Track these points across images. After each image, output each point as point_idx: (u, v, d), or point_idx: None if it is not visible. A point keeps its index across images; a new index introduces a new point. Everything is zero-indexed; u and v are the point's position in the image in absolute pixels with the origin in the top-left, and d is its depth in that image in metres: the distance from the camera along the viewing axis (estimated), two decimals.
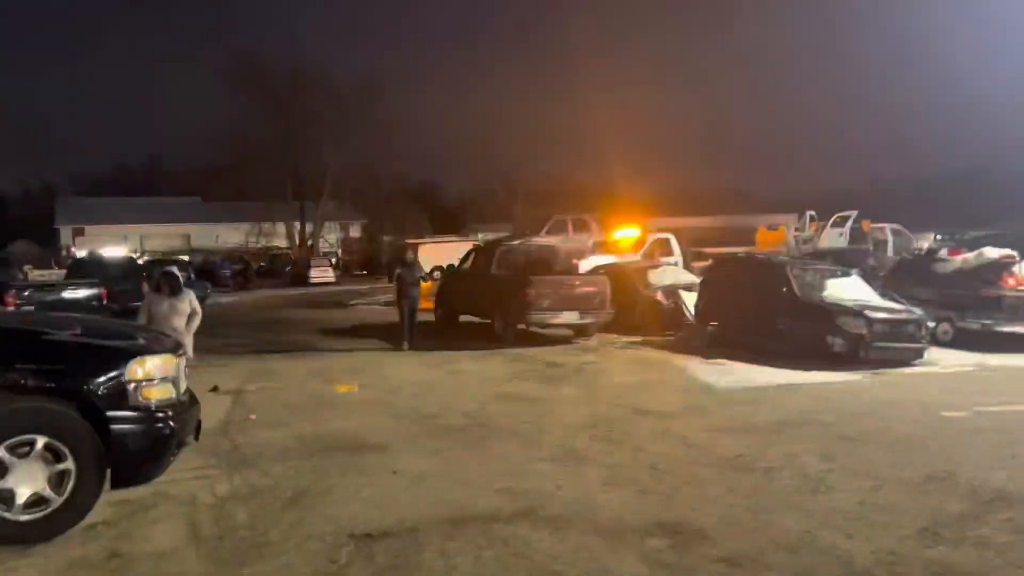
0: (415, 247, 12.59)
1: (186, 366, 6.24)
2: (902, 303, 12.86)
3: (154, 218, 64.18)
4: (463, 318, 17.95)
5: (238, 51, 53.99)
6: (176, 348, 6.05)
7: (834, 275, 13.54)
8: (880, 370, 11.56)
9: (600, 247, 22.55)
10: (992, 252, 15.05)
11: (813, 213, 26.17)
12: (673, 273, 17.67)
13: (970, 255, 15.10)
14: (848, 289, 13.14)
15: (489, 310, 16.05)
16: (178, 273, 10.14)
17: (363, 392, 10.59)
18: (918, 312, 12.28)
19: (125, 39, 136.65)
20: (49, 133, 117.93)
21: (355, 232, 61.95)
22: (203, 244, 60.13)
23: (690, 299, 16.09)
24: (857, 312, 12.02)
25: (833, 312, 12.14)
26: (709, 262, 17.77)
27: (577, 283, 15.06)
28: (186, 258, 50.94)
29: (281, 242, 53.99)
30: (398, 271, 15.41)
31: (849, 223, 25.10)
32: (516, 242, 18.20)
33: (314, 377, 11.83)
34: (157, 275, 10.25)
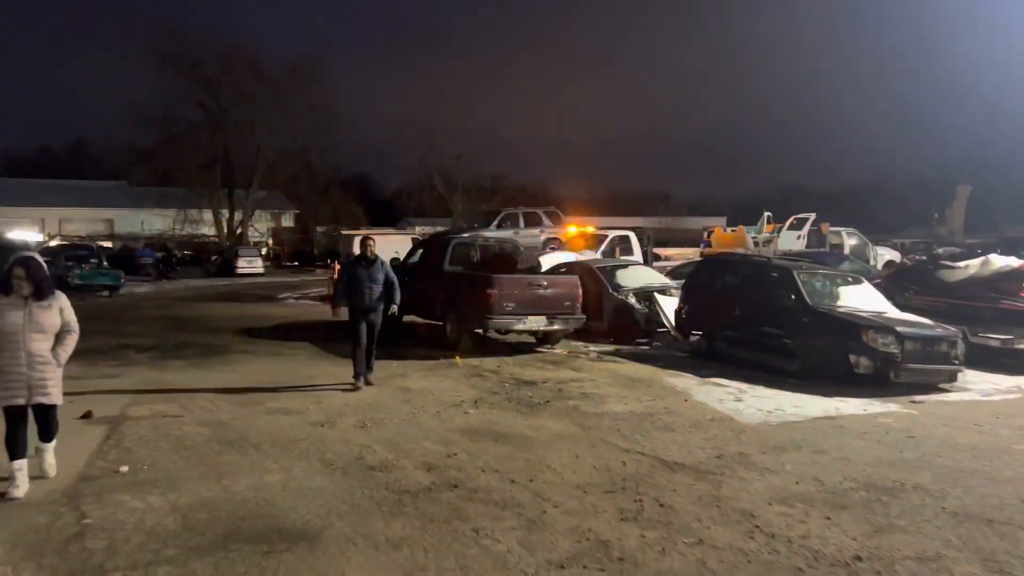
0: (366, 238, 9.57)
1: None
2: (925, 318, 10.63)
3: (75, 201, 58.91)
4: (407, 318, 15.13)
5: (165, 28, 49.28)
6: None
7: (845, 282, 11.23)
8: (916, 397, 9.29)
9: (555, 244, 20.00)
10: (998, 260, 13.03)
11: (769, 214, 24.19)
12: (644, 274, 15.16)
13: (974, 262, 13.04)
14: (863, 299, 10.85)
15: (441, 312, 13.28)
16: (40, 261, 5.75)
17: (287, 421, 7.73)
18: (952, 329, 10.04)
19: (52, 15, 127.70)
20: None
21: (287, 222, 57.95)
22: (127, 230, 55.40)
23: (667, 304, 13.63)
24: (886, 327, 9.71)
25: (857, 326, 9.80)
26: (686, 262, 15.33)
27: (545, 283, 12.39)
28: (106, 244, 46.70)
29: (209, 230, 49.78)
30: (345, 267, 10.55)
31: (807, 225, 23.16)
32: (471, 235, 15.46)
33: (225, 397, 8.89)
34: (6, 266, 5.59)
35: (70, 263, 26.50)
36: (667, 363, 11.62)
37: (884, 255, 23.39)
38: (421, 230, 45.08)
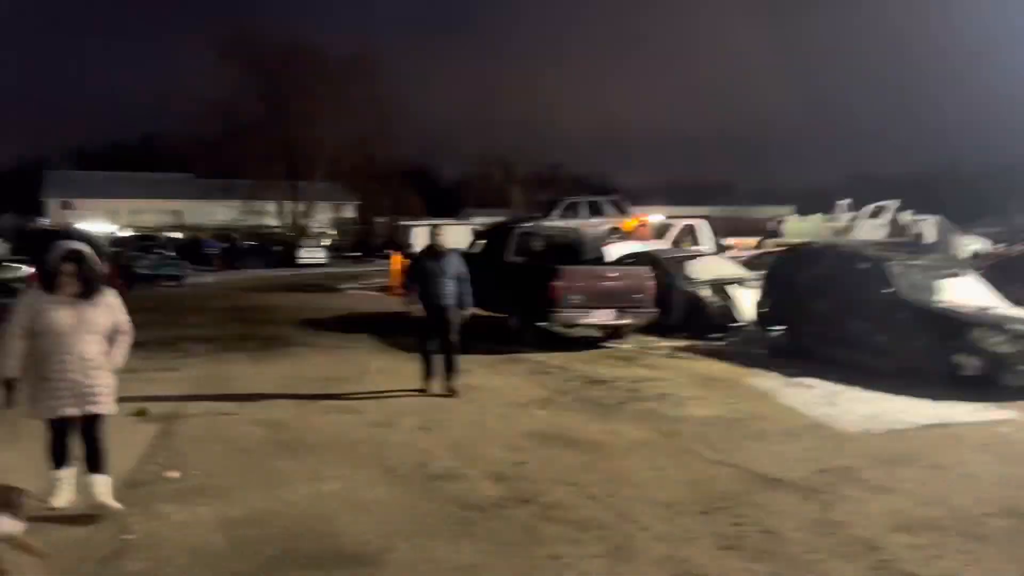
0: (435, 229, 8.71)
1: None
2: None
3: (145, 193, 60.21)
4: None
5: (232, 23, 49.93)
6: None
7: (946, 273, 10.23)
8: None
9: (619, 233, 19.23)
10: None
11: (849, 201, 22.90)
12: (716, 265, 14.31)
13: None
14: (967, 292, 9.86)
15: (502, 304, 12.69)
16: (93, 255, 5.01)
17: (346, 421, 7.26)
18: None
19: (117, 15, 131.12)
20: (45, 110, 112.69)
21: (348, 213, 58.23)
22: (195, 221, 56.38)
23: (744, 297, 12.78)
24: (996, 324, 8.75)
25: (962, 323, 8.87)
26: (762, 252, 14.42)
27: (615, 275, 11.70)
28: (175, 234, 47.57)
29: (272, 221, 50.26)
30: (414, 261, 9.27)
31: (889, 214, 21.84)
32: (534, 224, 14.84)
33: (283, 393, 8.48)
34: (53, 255, 4.89)
35: (137, 253, 26.84)
36: (747, 361, 10.81)
37: (971, 244, 21.93)
38: (481, 221, 44.77)
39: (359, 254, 45.06)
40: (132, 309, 5.20)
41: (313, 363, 10.56)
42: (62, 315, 4.77)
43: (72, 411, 4.80)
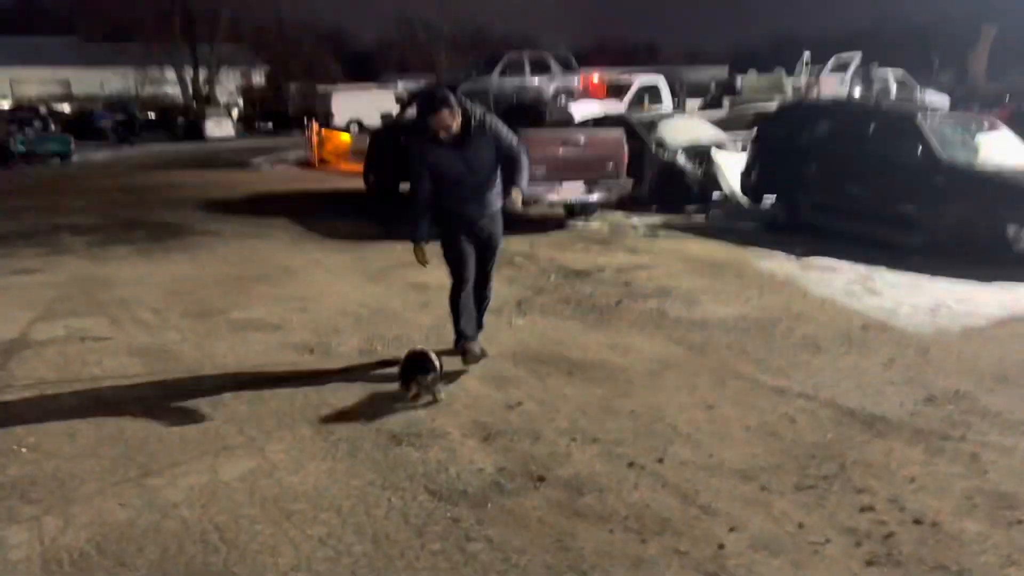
0: (433, 95, 4.50)
1: None
2: None
3: (25, 59, 53.66)
4: (406, 186, 12.54)
5: None
6: None
7: (979, 128, 8.65)
8: None
9: (568, 95, 17.03)
10: None
11: (808, 54, 21.04)
12: (691, 127, 12.42)
13: None
14: (1007, 150, 8.31)
15: None
16: None
17: (260, 346, 5.34)
18: None
19: None
20: None
21: (258, 80, 53.43)
22: (85, 91, 50.80)
23: (727, 163, 11.04)
24: None
25: (1015, 187, 7.36)
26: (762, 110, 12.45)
27: (583, 140, 9.73)
28: (62, 106, 42.69)
29: (173, 90, 45.53)
30: (414, 151, 4.64)
31: (852, 67, 20.13)
32: (483, 82, 12.57)
33: (176, 302, 6.45)
34: None
35: (12, 127, 23.32)
36: (740, 238, 9.19)
37: (933, 100, 20.59)
38: (405, 86, 41.37)
39: (272, 125, 41.40)
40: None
41: (218, 258, 8.44)
42: None
43: None
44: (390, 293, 6.84)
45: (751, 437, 3.84)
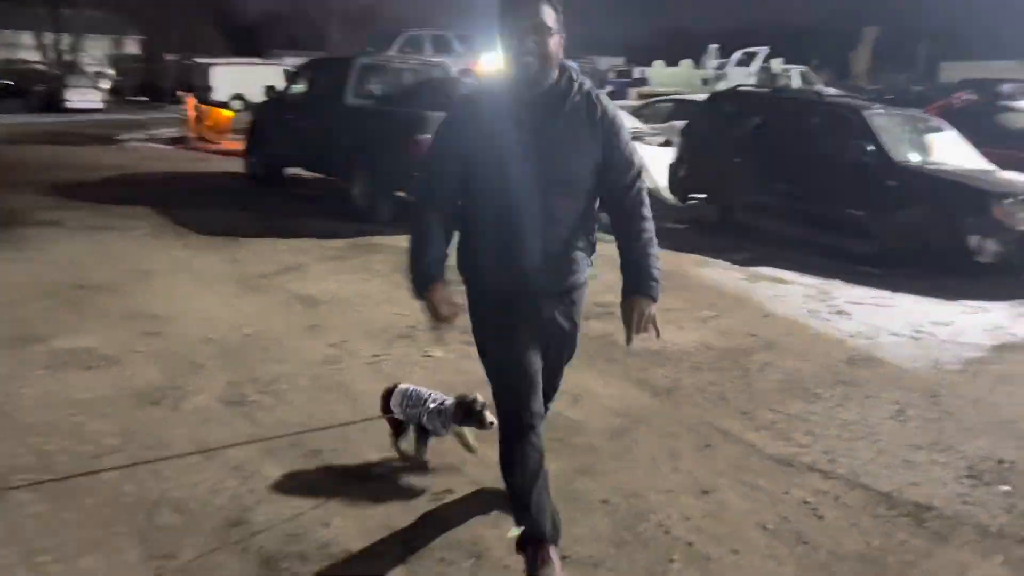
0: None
1: None
2: None
3: None
4: (292, 170, 11.05)
5: None
6: None
7: (925, 129, 8.02)
8: None
9: (472, 76, 15.83)
10: None
11: (717, 47, 20.61)
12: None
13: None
14: (957, 153, 7.70)
15: (340, 165, 9.25)
16: None
17: (88, 388, 3.91)
18: None
19: None
20: None
21: (131, 49, 49.37)
22: None
23: (652, 158, 10.10)
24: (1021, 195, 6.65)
25: (984, 193, 6.70)
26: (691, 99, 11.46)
27: None
28: None
29: (31, 56, 41.30)
30: (439, 138, 2.49)
31: (759, 61, 19.81)
32: (386, 57, 11.17)
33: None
34: None
35: None
36: (672, 241, 8.23)
37: None
38: (294, 62, 38.92)
39: (145, 98, 38.12)
40: None
41: (54, 258, 6.78)
42: None
43: None
44: (270, 309, 5.48)
45: (773, 544, 2.79)
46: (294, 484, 3.11)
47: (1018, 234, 6.49)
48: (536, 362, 2.42)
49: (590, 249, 2.49)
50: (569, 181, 2.33)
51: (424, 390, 3.21)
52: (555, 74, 2.29)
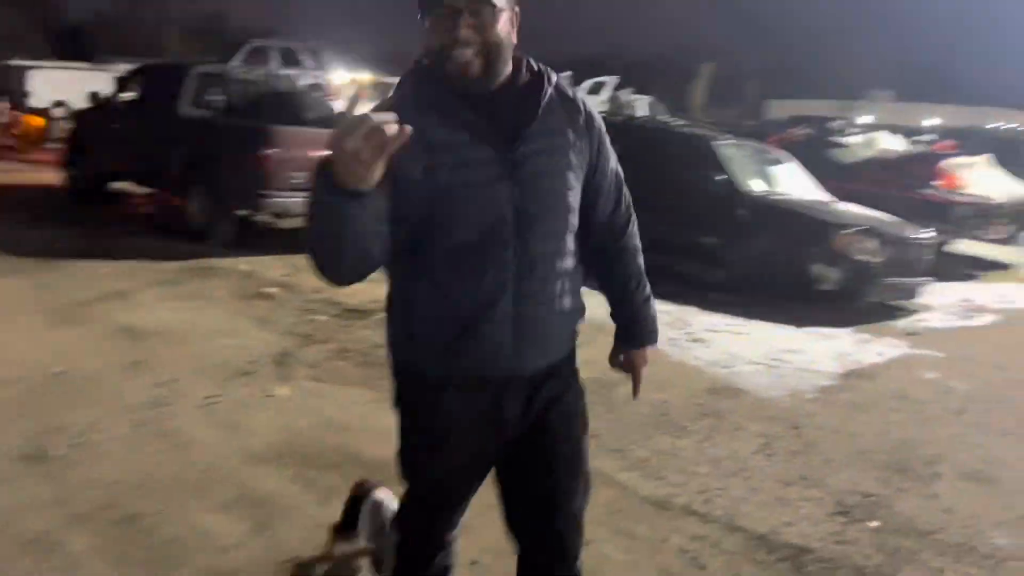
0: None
1: None
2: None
3: None
4: (118, 184, 10.07)
5: None
6: None
7: (769, 160, 8.31)
8: (894, 321, 6.82)
9: (324, 92, 15.18)
10: (886, 138, 11.04)
11: (570, 74, 20.98)
12: None
13: (857, 139, 10.91)
14: (799, 184, 8.03)
15: (177, 180, 8.47)
16: None
17: None
18: (930, 230, 7.55)
19: None
20: None
21: None
22: None
23: None
24: (869, 228, 6.96)
25: (827, 225, 6.97)
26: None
27: None
28: None
29: None
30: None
31: (608, 91, 20.38)
32: (225, 66, 10.43)
33: None
34: None
35: None
36: None
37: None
38: (126, 68, 36.38)
39: None
40: None
41: None
42: None
43: None
44: (86, 343, 4.79)
45: None
46: (107, 560, 2.59)
47: (856, 263, 6.80)
48: (476, 486, 1.84)
49: (580, 310, 1.82)
50: (550, 209, 1.66)
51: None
52: (508, 68, 1.63)
